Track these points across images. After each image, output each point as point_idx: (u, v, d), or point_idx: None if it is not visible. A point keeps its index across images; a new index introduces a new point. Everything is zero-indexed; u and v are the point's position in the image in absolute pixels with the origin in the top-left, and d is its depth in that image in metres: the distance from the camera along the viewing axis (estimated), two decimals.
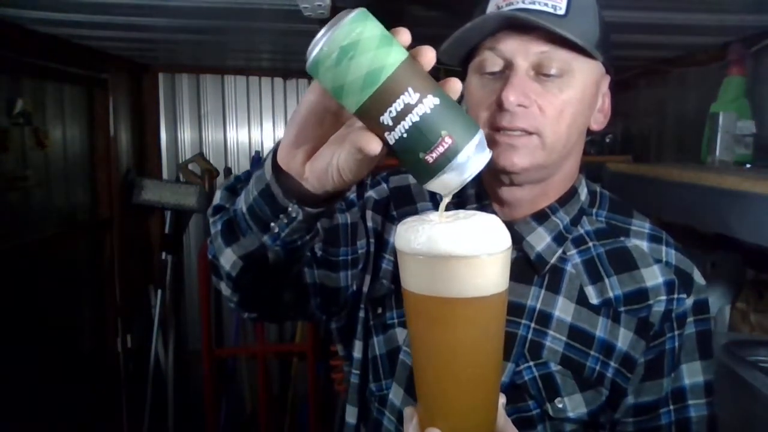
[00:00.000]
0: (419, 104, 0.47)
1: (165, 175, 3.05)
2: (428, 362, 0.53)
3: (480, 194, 0.84)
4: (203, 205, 2.81)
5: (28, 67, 2.07)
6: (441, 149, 0.47)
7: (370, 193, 0.91)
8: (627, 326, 0.79)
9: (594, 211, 0.85)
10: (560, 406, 0.77)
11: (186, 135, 3.09)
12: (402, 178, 0.92)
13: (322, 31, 0.47)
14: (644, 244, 0.83)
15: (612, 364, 0.78)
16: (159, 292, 2.80)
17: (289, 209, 0.60)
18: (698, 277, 0.83)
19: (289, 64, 2.84)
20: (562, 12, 0.72)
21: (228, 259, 0.68)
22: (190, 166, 2.96)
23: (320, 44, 0.47)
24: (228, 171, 3.05)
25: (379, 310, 0.87)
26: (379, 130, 0.48)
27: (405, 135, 0.47)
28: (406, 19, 1.73)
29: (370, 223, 0.89)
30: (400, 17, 1.71)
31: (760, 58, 1.72)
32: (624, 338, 0.78)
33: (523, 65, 0.73)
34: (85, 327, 2.53)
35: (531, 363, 0.78)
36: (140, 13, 1.66)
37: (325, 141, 0.55)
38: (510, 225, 0.77)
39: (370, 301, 0.88)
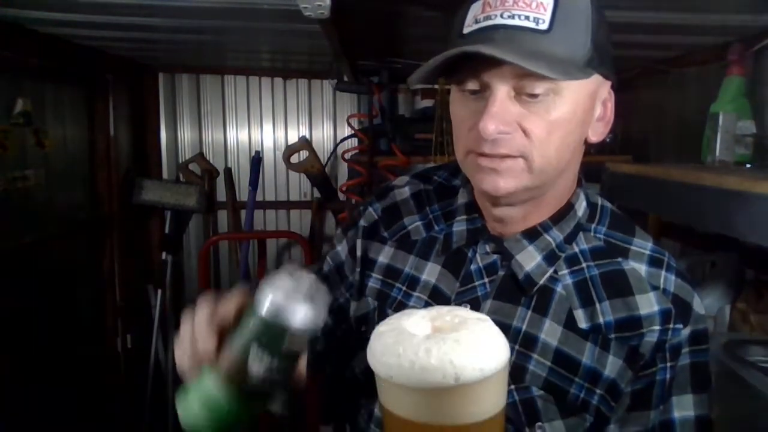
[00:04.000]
0: (262, 358, 0.61)
1: (165, 175, 3.05)
2: None
3: (470, 206, 0.82)
4: (203, 205, 2.81)
5: (28, 67, 2.07)
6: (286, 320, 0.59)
7: (362, 222, 0.92)
8: (616, 354, 0.74)
9: (593, 226, 0.80)
10: None
11: (186, 135, 3.09)
12: (390, 197, 0.92)
13: None
14: (642, 268, 0.77)
15: (597, 391, 0.74)
16: (159, 292, 2.80)
17: None
18: (698, 306, 0.77)
19: (289, 64, 2.84)
20: (545, 26, 0.65)
21: None
22: (190, 166, 2.96)
23: None
24: (228, 171, 3.05)
25: (363, 328, 0.88)
26: None
27: (277, 358, 0.61)
28: (405, 19, 1.73)
29: (358, 252, 0.91)
30: (400, 17, 1.71)
31: (760, 58, 1.72)
32: (612, 366, 0.74)
33: (502, 89, 0.66)
34: (85, 327, 2.53)
35: (512, 387, 0.74)
36: (140, 13, 1.66)
37: None
38: (499, 241, 0.78)
39: (355, 319, 0.90)
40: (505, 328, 0.72)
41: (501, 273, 0.78)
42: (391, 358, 0.41)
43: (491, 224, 0.80)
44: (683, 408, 0.76)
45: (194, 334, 0.64)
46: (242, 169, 3.11)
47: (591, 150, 2.67)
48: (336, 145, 3.03)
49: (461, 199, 0.84)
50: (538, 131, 0.67)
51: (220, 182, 3.05)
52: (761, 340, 1.34)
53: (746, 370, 1.14)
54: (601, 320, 0.74)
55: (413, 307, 0.82)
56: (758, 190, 1.08)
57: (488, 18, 0.67)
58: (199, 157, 2.99)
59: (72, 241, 2.44)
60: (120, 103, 2.69)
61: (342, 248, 0.94)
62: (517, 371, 0.74)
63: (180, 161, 3.03)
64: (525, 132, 0.67)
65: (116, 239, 2.69)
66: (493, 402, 0.43)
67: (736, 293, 1.58)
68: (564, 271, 0.77)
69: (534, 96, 0.66)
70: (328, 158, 3.02)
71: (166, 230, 2.86)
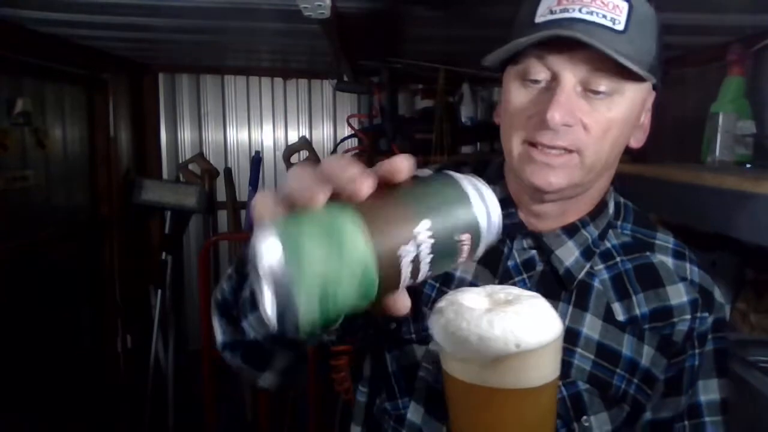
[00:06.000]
0: (421, 245, 0.40)
1: (165, 175, 3.05)
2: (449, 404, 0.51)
3: (506, 201, 0.79)
4: (203, 205, 2.81)
5: (28, 67, 2.07)
6: (465, 250, 0.42)
7: None
8: (650, 343, 0.77)
9: (619, 223, 0.82)
10: (587, 425, 0.75)
11: (186, 135, 3.09)
12: None
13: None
14: (669, 260, 0.81)
15: (635, 381, 0.76)
16: (159, 292, 2.80)
17: None
18: (718, 295, 0.81)
19: (289, 64, 2.84)
20: (621, 27, 0.67)
21: (268, 380, 0.71)
22: (190, 166, 2.96)
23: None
24: (228, 171, 3.05)
25: (393, 326, 0.82)
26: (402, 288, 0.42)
27: (429, 272, 0.41)
28: (406, 19, 1.73)
29: None
30: (400, 17, 1.71)
31: (760, 58, 1.72)
32: (647, 355, 0.77)
33: (570, 80, 0.68)
34: (85, 327, 2.53)
35: (560, 382, 0.75)
36: (140, 13, 1.66)
37: None
38: (538, 236, 0.78)
39: (383, 318, 0.82)
40: None
41: (539, 268, 0.78)
42: (457, 331, 0.45)
43: (528, 219, 0.79)
44: (709, 392, 0.79)
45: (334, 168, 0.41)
46: (242, 169, 3.11)
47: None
48: (336, 145, 3.03)
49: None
50: (597, 127, 0.69)
51: (220, 182, 3.05)
52: (761, 340, 1.34)
53: (746, 370, 1.14)
54: (637, 312, 0.77)
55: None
56: (758, 190, 1.08)
57: (565, 11, 0.67)
58: (199, 157, 2.99)
59: (72, 241, 2.44)
60: (120, 103, 2.69)
61: None
62: (562, 366, 0.73)
63: (180, 161, 3.03)
64: (585, 127, 0.69)
65: (116, 239, 2.69)
66: (550, 369, 0.47)
67: (736, 293, 1.58)
68: (600, 266, 0.79)
69: (598, 93, 0.68)
70: None
71: (166, 230, 2.86)
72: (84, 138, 2.56)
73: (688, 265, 0.81)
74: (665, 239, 0.83)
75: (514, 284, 0.77)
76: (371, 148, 2.54)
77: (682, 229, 1.87)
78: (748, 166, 1.61)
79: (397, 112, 2.88)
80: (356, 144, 2.90)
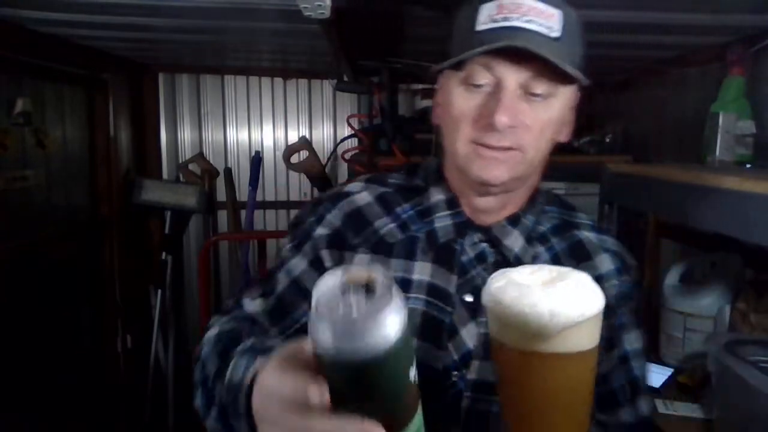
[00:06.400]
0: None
1: (165, 175, 3.05)
2: (529, 405, 0.55)
3: (451, 201, 0.86)
4: (203, 205, 2.81)
5: (28, 67, 2.07)
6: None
7: (319, 231, 0.88)
8: None
9: (547, 208, 0.91)
10: None
11: (186, 135, 3.09)
12: (347, 203, 0.89)
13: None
14: (592, 235, 0.90)
15: None
16: (159, 292, 2.80)
17: None
18: (630, 258, 0.92)
19: (289, 64, 2.84)
20: (557, 34, 0.73)
21: None
22: (190, 166, 2.96)
23: None
24: (228, 171, 3.05)
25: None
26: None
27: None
28: (406, 19, 1.73)
29: (328, 263, 0.87)
30: (400, 17, 1.71)
31: (760, 58, 1.72)
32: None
33: (513, 85, 0.74)
34: (85, 327, 2.53)
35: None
36: (140, 13, 1.66)
37: None
38: (486, 230, 0.86)
39: None
40: None
41: (491, 259, 0.85)
42: (519, 306, 0.51)
43: (473, 215, 0.86)
44: (633, 342, 0.89)
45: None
46: (242, 169, 3.11)
47: (591, 150, 2.66)
48: (336, 145, 3.03)
49: (437, 196, 0.88)
50: (536, 127, 0.76)
51: (220, 182, 3.05)
52: (761, 340, 1.34)
53: (746, 370, 1.14)
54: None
55: (413, 310, 0.82)
56: (758, 190, 1.08)
57: (506, 19, 0.73)
58: (199, 157, 2.99)
59: (72, 241, 2.44)
60: (120, 103, 2.69)
61: (298, 262, 0.88)
62: None
63: (180, 161, 3.03)
64: (525, 127, 0.76)
65: (116, 239, 2.69)
66: (593, 337, 0.54)
67: (736, 293, 1.58)
68: (540, 249, 0.87)
69: (537, 95, 0.75)
70: (328, 158, 3.02)
71: (166, 230, 2.86)
72: (84, 138, 2.56)
73: (606, 237, 0.92)
74: (584, 217, 0.94)
75: (471, 278, 0.84)
76: (371, 148, 2.54)
77: (682, 229, 1.88)
78: (748, 166, 1.61)
79: (397, 112, 2.88)
80: (356, 144, 2.89)
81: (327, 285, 0.45)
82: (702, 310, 1.61)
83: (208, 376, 0.75)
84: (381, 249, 0.86)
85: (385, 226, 0.87)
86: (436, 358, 0.82)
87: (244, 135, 3.12)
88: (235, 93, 3.08)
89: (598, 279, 0.79)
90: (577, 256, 0.88)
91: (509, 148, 0.76)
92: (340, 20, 1.52)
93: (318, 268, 0.87)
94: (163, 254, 2.84)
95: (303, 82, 3.10)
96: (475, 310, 0.83)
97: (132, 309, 2.77)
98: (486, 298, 0.55)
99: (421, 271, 0.84)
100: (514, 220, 0.86)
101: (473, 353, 0.82)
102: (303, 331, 0.85)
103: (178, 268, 3.00)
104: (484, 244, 0.85)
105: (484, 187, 0.80)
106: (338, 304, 0.43)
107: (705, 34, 1.75)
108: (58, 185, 2.33)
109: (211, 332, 0.84)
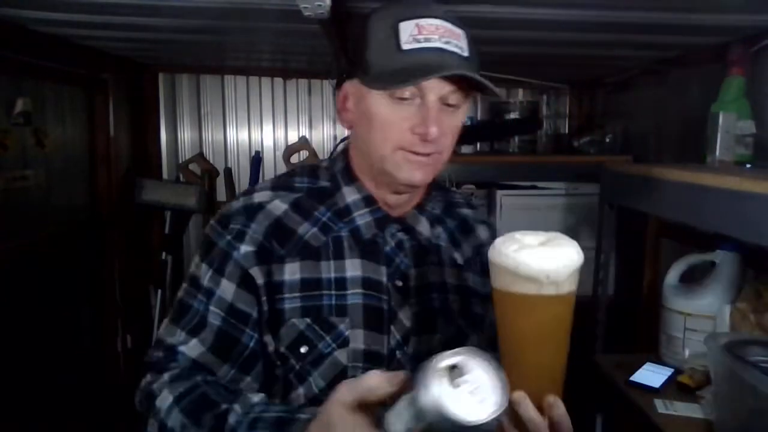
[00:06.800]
0: None
1: (165, 175, 3.05)
2: (519, 340, 0.68)
3: (368, 199, 0.94)
4: (203, 205, 2.81)
5: (28, 67, 2.07)
6: None
7: (244, 249, 0.88)
8: (480, 273, 1.01)
9: (434, 193, 1.02)
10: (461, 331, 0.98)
11: (186, 135, 3.09)
12: (264, 216, 0.91)
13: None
14: (468, 211, 1.07)
15: (479, 302, 1.00)
16: (159, 292, 2.80)
17: None
18: (492, 224, 1.12)
19: (289, 64, 2.84)
20: (467, 54, 0.84)
21: None
22: (190, 166, 2.96)
23: None
24: (228, 171, 3.05)
25: (304, 349, 0.88)
26: None
27: None
28: None
29: (259, 281, 0.88)
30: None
31: (760, 58, 1.72)
32: (483, 283, 0.99)
33: (435, 98, 0.83)
34: (85, 327, 2.53)
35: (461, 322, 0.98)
36: (140, 13, 1.66)
37: None
38: (401, 220, 0.96)
39: (287, 347, 0.88)
40: (429, 285, 0.96)
41: (408, 245, 0.95)
42: (526, 258, 0.65)
43: (389, 210, 0.95)
44: (487, 286, 1.00)
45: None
46: (242, 169, 3.11)
47: (591, 150, 2.66)
48: (336, 145, 3.03)
49: (352, 195, 0.94)
50: (450, 133, 0.88)
51: (220, 182, 3.05)
52: (761, 340, 1.34)
53: (746, 370, 1.14)
54: (469, 254, 1.03)
55: (354, 305, 0.89)
56: (758, 190, 1.09)
57: (428, 40, 0.82)
58: (199, 157, 2.99)
59: (72, 241, 2.44)
60: (120, 103, 2.69)
61: (224, 289, 0.88)
62: (450, 312, 0.97)
63: (180, 161, 3.03)
64: (443, 134, 0.85)
65: (116, 239, 2.69)
66: (573, 284, 0.67)
67: (736, 293, 1.58)
68: (439, 230, 1.01)
69: (451, 106, 0.85)
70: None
71: (166, 230, 2.86)
72: (84, 138, 2.56)
73: (477, 211, 1.10)
74: (458, 195, 1.10)
75: (397, 265, 0.93)
76: None
77: (682, 229, 1.88)
78: (748, 166, 1.61)
79: None
80: None
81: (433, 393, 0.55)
82: (702, 310, 1.61)
83: None
84: (308, 254, 0.90)
85: (308, 231, 0.91)
86: (381, 342, 0.90)
87: (244, 135, 3.12)
88: (235, 93, 3.08)
89: (481, 246, 1.04)
90: (465, 231, 1.04)
91: (432, 153, 0.86)
92: (340, 20, 1.52)
93: (248, 287, 0.88)
94: (163, 254, 2.84)
95: (303, 82, 3.10)
96: (407, 293, 0.93)
97: (132, 309, 2.77)
98: (492, 252, 0.68)
99: (353, 267, 0.91)
100: (421, 209, 0.98)
101: (411, 331, 0.92)
102: (253, 357, 0.89)
103: (178, 268, 3.00)
104: (401, 233, 0.95)
105: (408, 188, 0.91)
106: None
107: (705, 34, 1.75)
108: (58, 185, 2.33)
109: (165, 400, 0.86)
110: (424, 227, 0.97)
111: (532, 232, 0.69)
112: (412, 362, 0.89)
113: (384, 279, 0.91)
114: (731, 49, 1.72)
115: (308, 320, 0.87)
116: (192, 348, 0.89)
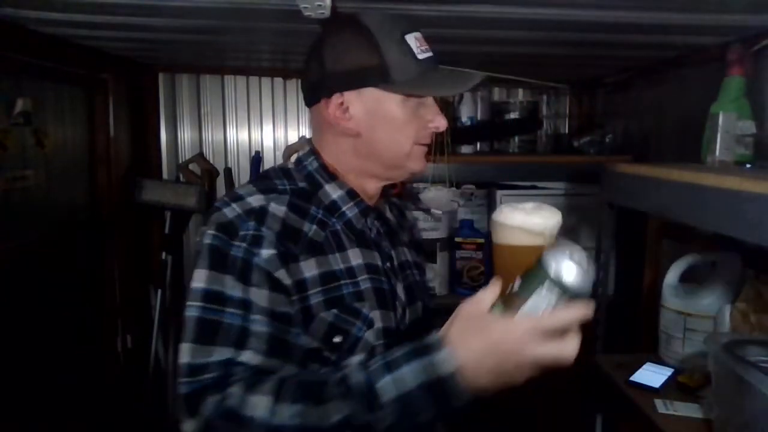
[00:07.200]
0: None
1: (165, 175, 3.05)
2: (506, 263, 0.89)
3: (351, 193, 1.02)
4: (203, 205, 2.81)
5: (28, 67, 2.07)
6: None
7: (266, 253, 0.88)
8: (412, 248, 1.17)
9: None
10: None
11: (186, 135, 3.08)
12: (272, 219, 0.92)
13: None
14: (395, 199, 1.22)
15: (417, 270, 1.17)
16: (159, 292, 2.80)
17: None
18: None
19: (289, 64, 2.84)
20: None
21: None
22: (190, 166, 2.96)
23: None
24: (228, 171, 3.05)
25: (338, 339, 0.93)
26: None
27: None
28: (405, 18, 1.73)
29: (287, 281, 0.89)
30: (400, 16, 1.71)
31: (760, 58, 1.72)
32: (414, 255, 1.17)
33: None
34: (85, 327, 2.53)
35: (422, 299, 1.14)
36: (140, 13, 1.66)
37: None
38: (376, 209, 1.07)
39: (321, 341, 0.91)
40: (403, 264, 1.10)
41: (383, 230, 1.08)
42: (518, 217, 0.88)
43: (369, 201, 1.05)
44: (420, 253, 1.28)
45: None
46: (242, 169, 3.11)
47: (591, 150, 2.66)
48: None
49: (336, 191, 1.02)
50: None
51: (220, 182, 3.05)
52: (761, 340, 1.34)
53: (746, 370, 1.14)
54: (408, 234, 1.20)
55: (367, 289, 0.98)
56: (758, 190, 1.08)
57: (428, 51, 0.99)
58: (199, 157, 2.99)
59: (72, 241, 2.44)
60: (120, 103, 2.69)
61: (257, 296, 0.87)
62: (418, 284, 1.14)
63: (180, 161, 3.03)
64: None
65: (116, 239, 2.69)
66: (553, 237, 0.88)
67: (736, 293, 1.58)
68: (390, 215, 1.14)
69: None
70: None
71: (166, 230, 2.86)
72: (84, 138, 2.56)
73: (397, 198, 1.24)
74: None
75: (383, 249, 1.05)
76: None
77: (682, 229, 1.87)
78: (748, 166, 1.61)
79: None
80: None
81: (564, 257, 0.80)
82: (702, 310, 1.61)
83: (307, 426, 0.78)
84: (316, 251, 0.95)
85: (310, 229, 0.96)
86: (391, 318, 1.00)
87: (244, 135, 3.12)
88: (235, 93, 3.08)
89: (412, 226, 1.26)
90: (401, 215, 1.20)
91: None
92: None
93: (279, 289, 0.88)
94: (163, 254, 2.84)
95: None
96: (395, 272, 1.06)
97: (132, 309, 2.77)
98: (495, 214, 0.88)
99: (355, 256, 0.99)
100: (384, 197, 1.12)
101: (405, 304, 1.05)
102: (304, 353, 0.91)
103: (178, 268, 3.00)
104: (377, 222, 1.06)
105: (411, 177, 1.05)
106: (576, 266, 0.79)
107: (705, 34, 1.75)
108: (58, 185, 2.33)
109: (258, 405, 0.79)
110: (388, 213, 1.13)
111: (521, 203, 0.89)
112: (407, 331, 1.02)
113: (379, 263, 1.03)
114: (731, 49, 1.72)
115: (335, 311, 0.93)
116: (250, 357, 0.85)
